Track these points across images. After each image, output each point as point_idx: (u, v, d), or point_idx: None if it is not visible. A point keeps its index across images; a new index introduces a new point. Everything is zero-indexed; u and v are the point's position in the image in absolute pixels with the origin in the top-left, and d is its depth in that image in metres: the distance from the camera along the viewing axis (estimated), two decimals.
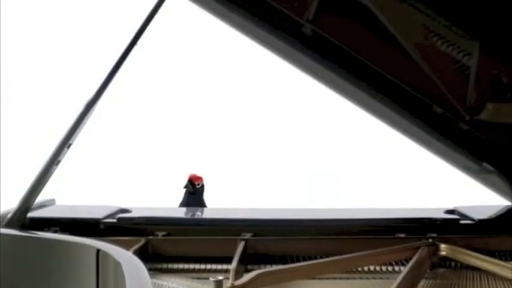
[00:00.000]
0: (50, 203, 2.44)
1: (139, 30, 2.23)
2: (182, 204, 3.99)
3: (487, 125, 2.23)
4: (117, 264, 1.43)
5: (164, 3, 2.25)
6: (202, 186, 4.07)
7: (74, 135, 2.10)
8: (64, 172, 2.15)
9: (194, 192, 4.02)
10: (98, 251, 1.55)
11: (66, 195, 2.57)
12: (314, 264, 1.97)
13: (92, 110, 2.13)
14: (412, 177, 5.08)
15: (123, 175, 4.98)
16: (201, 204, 4.04)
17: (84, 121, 2.12)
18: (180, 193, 4.03)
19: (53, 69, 5.09)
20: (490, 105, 2.13)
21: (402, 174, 5.13)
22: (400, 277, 1.83)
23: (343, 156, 5.27)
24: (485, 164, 2.38)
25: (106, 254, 1.52)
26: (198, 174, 4.10)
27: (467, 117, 2.16)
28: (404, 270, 1.89)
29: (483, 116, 2.14)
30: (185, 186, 4.02)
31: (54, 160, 2.06)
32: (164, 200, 3.98)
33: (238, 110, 5.31)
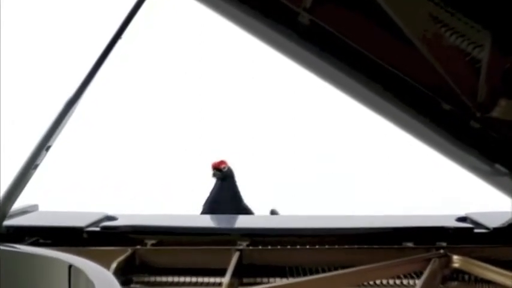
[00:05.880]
0: (33, 208, 2.35)
1: (123, 23, 2.15)
2: (214, 194, 3.90)
3: (500, 123, 2.11)
4: (90, 283, 1.30)
5: None
6: (230, 169, 3.97)
7: (53, 137, 1.97)
8: (50, 176, 2.04)
9: (224, 177, 3.92)
10: (70, 266, 1.42)
11: (52, 200, 2.48)
12: (316, 279, 1.85)
13: (72, 109, 2.01)
14: (418, 178, 5.02)
15: (111, 179, 4.91)
16: (235, 189, 3.94)
17: (64, 121, 1.98)
18: (175, 199, 3.96)
19: (53, 69, 5.04)
20: (503, 102, 2.01)
21: (403, 175, 5.08)
22: None
23: (343, 157, 5.22)
24: (498, 166, 2.26)
25: (78, 271, 1.39)
26: (220, 158, 3.98)
27: (478, 115, 2.06)
28: (418, 284, 1.78)
29: (495, 113, 2.03)
30: (213, 175, 3.93)
31: (31, 164, 1.93)
32: (154, 207, 3.91)
33: (242, 110, 5.24)
